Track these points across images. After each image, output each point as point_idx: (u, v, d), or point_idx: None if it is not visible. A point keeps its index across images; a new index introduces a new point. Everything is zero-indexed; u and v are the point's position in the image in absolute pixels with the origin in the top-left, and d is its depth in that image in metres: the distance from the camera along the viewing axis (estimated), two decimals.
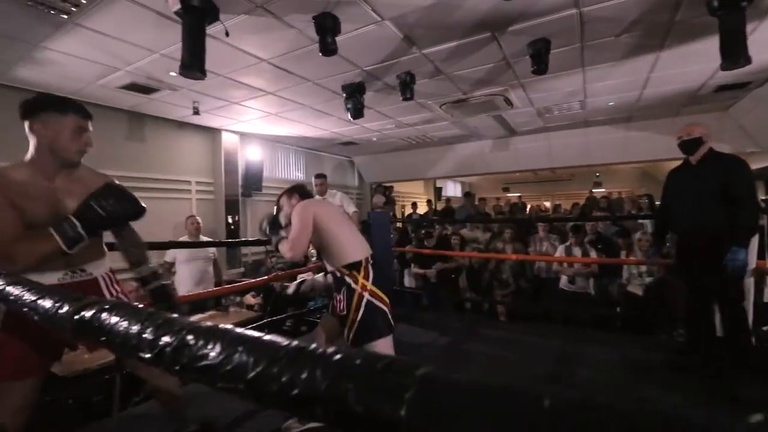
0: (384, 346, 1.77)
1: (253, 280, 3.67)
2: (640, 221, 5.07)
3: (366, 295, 1.76)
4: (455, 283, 5.36)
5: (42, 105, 1.35)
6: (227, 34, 2.62)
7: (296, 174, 7.29)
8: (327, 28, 2.59)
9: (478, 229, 6.53)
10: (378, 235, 3.82)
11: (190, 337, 0.32)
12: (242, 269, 5.91)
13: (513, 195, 13.26)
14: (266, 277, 3.61)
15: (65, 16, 2.47)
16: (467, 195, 7.51)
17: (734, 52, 2.42)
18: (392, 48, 3.15)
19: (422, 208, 10.58)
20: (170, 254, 4.14)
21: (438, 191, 11.28)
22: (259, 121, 5.28)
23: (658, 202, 2.92)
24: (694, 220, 2.37)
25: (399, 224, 6.75)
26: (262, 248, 6.13)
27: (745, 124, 4.82)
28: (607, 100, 4.71)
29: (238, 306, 4.50)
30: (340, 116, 5.05)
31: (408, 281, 5.53)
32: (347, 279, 1.80)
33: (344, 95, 3.95)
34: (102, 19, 2.55)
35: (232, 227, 5.81)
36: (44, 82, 3.52)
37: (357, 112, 3.95)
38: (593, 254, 4.45)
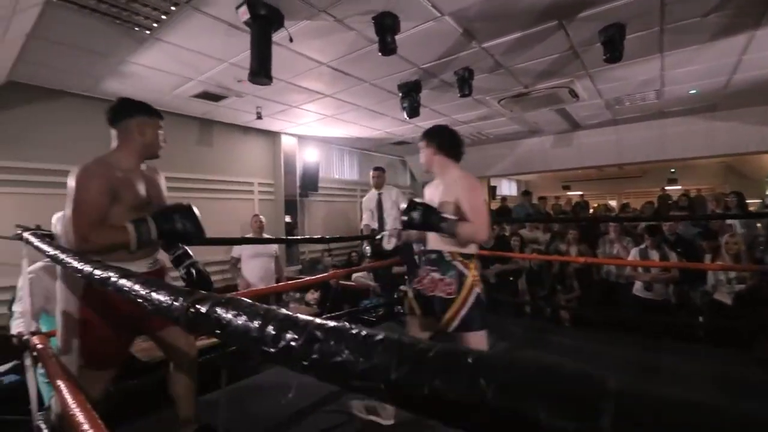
0: (482, 338, 1.79)
1: (313, 277, 3.77)
2: (728, 222, 4.55)
3: (477, 288, 1.79)
4: (514, 285, 5.14)
5: (136, 108, 1.59)
6: (291, 40, 2.71)
7: (350, 174, 7.42)
8: (386, 28, 2.59)
9: (538, 229, 6.23)
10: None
11: (318, 333, 0.31)
12: (300, 266, 6.12)
13: (574, 193, 12.51)
14: (325, 273, 3.69)
15: (148, 32, 2.69)
16: (525, 193, 7.19)
17: None
18: (450, 44, 3.08)
19: None
20: (236, 250, 4.36)
21: (492, 190, 10.93)
22: (316, 124, 5.43)
23: (749, 201, 2.57)
24: None
25: None
26: (319, 246, 6.32)
27: None
28: (689, 87, 4.26)
29: (297, 302, 4.67)
30: (395, 116, 5.06)
31: None
32: (460, 266, 1.80)
33: (400, 94, 3.94)
34: (179, 33, 2.75)
35: (291, 226, 6.04)
36: (127, 94, 3.87)
37: (413, 111, 3.92)
38: (673, 258, 4.04)
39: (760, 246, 4.30)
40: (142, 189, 1.54)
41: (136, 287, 0.59)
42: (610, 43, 2.84)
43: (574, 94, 4.32)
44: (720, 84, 4.18)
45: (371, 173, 4.31)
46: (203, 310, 0.43)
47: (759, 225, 4.70)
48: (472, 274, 1.79)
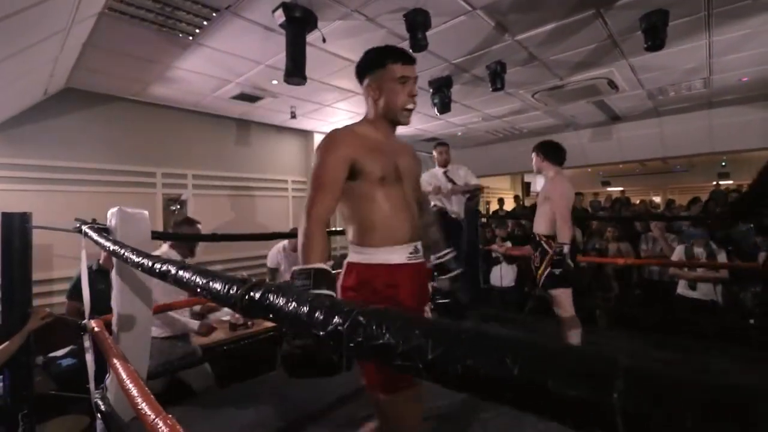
0: (567, 294, 2.50)
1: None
2: None
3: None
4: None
5: (365, 64, 1.31)
6: (324, 41, 2.78)
7: None
8: (418, 24, 2.60)
9: (574, 227, 6.04)
10: (467, 230, 3.77)
11: (361, 318, 0.34)
12: (331, 262, 6.25)
13: (614, 189, 11.98)
14: None
15: (191, 38, 2.84)
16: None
17: None
18: (482, 38, 3.05)
19: (509, 204, 10.13)
20: (273, 260, 3.75)
21: (527, 186, 10.66)
22: (348, 122, 5.46)
23: None
24: None
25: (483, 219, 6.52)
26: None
27: None
28: (740, 75, 3.99)
29: None
30: (425, 112, 5.04)
31: (494, 279, 5.33)
32: (544, 244, 2.55)
33: (431, 90, 3.93)
34: (219, 37, 2.88)
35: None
36: (172, 97, 4.11)
37: (444, 107, 3.91)
38: (722, 257, 3.82)
39: None
40: (388, 163, 1.25)
41: (195, 278, 0.66)
42: (651, 31, 2.71)
43: (613, 86, 4.15)
44: None
45: (435, 150, 3.86)
46: (256, 296, 0.48)
47: None
48: (551, 248, 2.48)
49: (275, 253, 3.74)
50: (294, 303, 0.42)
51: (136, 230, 1.94)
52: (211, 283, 0.59)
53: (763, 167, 2.81)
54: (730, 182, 10.16)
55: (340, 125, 5.15)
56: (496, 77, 3.51)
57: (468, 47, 3.21)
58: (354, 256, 1.28)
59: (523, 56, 3.39)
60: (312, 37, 2.78)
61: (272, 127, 5.55)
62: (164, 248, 2.60)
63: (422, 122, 5.60)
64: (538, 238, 2.63)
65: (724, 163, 10.30)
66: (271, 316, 0.46)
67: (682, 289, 4.01)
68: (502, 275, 4.97)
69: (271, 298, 0.46)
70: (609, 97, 4.63)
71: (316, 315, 0.38)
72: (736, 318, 3.81)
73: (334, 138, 1.22)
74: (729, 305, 3.86)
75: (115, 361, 1.37)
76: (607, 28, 2.93)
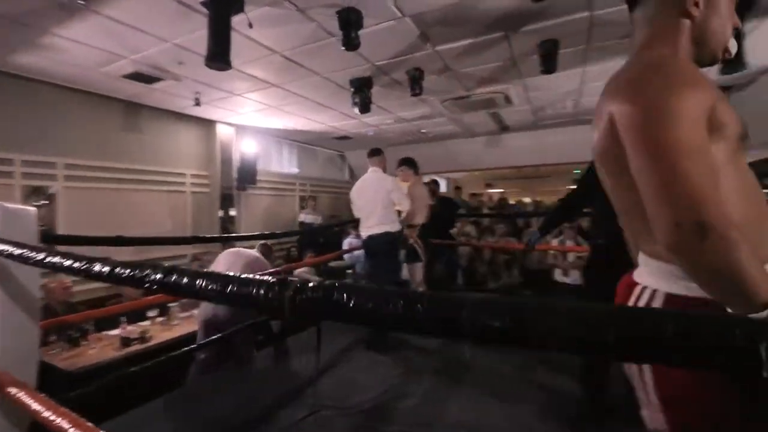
0: (418, 267, 3.82)
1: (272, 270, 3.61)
2: None
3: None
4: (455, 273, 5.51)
5: None
6: (250, 26, 2.61)
7: (289, 167, 7.24)
8: (351, 23, 2.62)
9: (469, 224, 6.70)
10: None
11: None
12: None
13: (496, 191, 13.58)
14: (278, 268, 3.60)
15: (83, 2, 2.39)
16: (457, 189, 7.68)
17: (734, 59, 2.61)
18: (407, 44, 3.20)
19: None
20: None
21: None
22: (257, 114, 5.22)
23: None
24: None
25: None
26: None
27: None
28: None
29: None
30: (341, 110, 5.07)
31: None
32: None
33: (352, 89, 3.98)
34: (121, 6, 2.49)
35: (227, 221, 5.74)
36: (42, 69, 3.39)
37: (365, 107, 3.99)
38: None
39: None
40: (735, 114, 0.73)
41: (212, 285, 0.61)
42: (547, 56, 3.20)
43: (508, 100, 4.74)
44: None
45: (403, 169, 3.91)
46: (314, 295, 0.50)
47: None
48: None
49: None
50: (372, 302, 0.46)
51: (20, 230, 1.59)
52: (237, 288, 0.58)
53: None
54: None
55: (247, 117, 4.94)
56: (415, 83, 3.72)
57: (392, 51, 3.34)
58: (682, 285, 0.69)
59: (439, 66, 3.66)
60: (235, 20, 2.59)
61: (169, 114, 4.95)
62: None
63: (336, 120, 5.61)
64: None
65: (577, 171, 12.49)
66: (344, 315, 0.48)
67: (557, 276, 4.80)
68: None
69: (344, 298, 0.48)
70: (503, 110, 5.26)
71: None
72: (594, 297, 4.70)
73: (683, 69, 0.70)
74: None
75: None
76: (511, 49, 3.34)
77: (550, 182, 13.59)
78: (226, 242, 5.69)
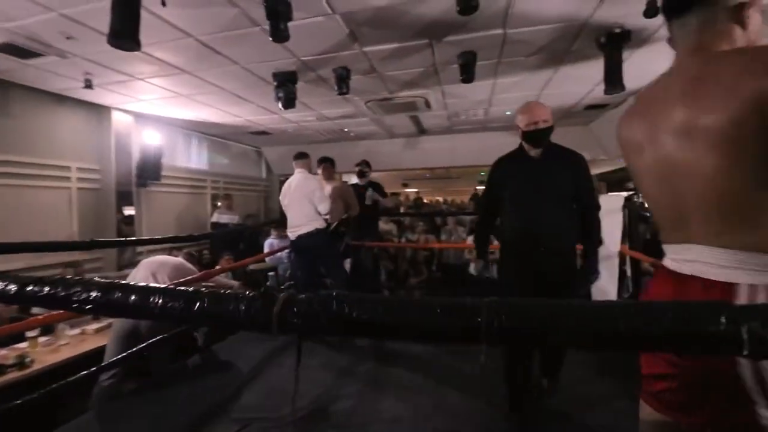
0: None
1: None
2: None
3: None
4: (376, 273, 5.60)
5: None
6: (164, 4, 2.34)
7: (198, 162, 6.66)
8: (280, 14, 2.50)
9: (390, 222, 6.89)
10: None
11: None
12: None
13: (411, 190, 14.16)
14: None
15: None
16: (383, 195, 7.83)
17: (614, 80, 3.10)
18: (335, 41, 3.17)
19: None
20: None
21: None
22: (162, 102, 4.70)
23: None
24: (539, 226, 1.89)
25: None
26: (159, 247, 5.49)
27: (602, 136, 6.08)
28: (506, 109, 5.43)
29: None
30: (261, 104, 4.83)
31: None
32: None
33: (275, 83, 3.80)
34: None
35: (123, 222, 5.07)
36: None
37: (289, 102, 3.85)
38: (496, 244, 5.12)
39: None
40: None
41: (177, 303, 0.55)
42: (465, 66, 3.42)
43: (428, 104, 4.97)
44: None
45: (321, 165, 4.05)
46: (305, 309, 0.49)
47: None
48: None
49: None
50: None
51: None
52: (209, 306, 0.54)
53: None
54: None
55: (149, 105, 4.51)
56: (342, 82, 3.70)
57: (319, 47, 3.27)
58: None
59: (365, 66, 3.69)
60: None
61: (50, 96, 4.19)
62: None
63: (254, 114, 5.32)
64: None
65: (482, 173, 13.62)
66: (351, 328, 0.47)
67: (473, 269, 5.18)
68: None
69: (347, 309, 0.47)
70: (422, 114, 5.51)
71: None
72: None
73: None
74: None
75: None
76: (434, 57, 3.52)
77: (459, 183, 14.63)
78: (125, 246, 5.05)
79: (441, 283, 5.83)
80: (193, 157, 6.52)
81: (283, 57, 3.44)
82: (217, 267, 4.44)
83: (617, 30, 2.98)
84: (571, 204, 1.93)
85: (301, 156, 3.60)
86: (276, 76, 3.75)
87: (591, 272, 1.97)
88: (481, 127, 6.62)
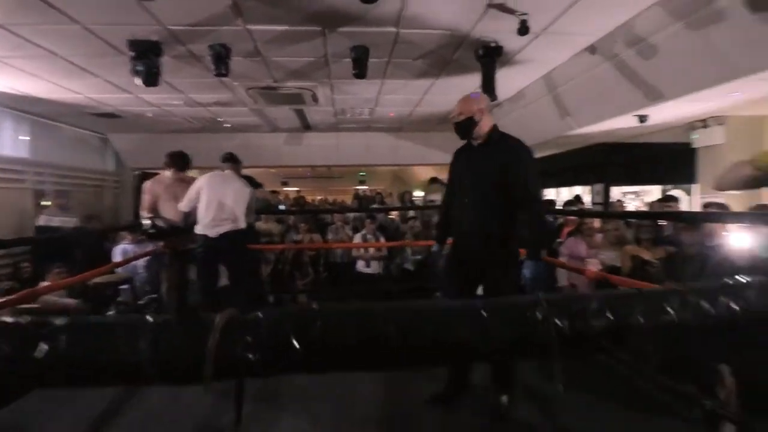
0: None
1: None
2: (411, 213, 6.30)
3: None
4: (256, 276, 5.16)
5: None
6: None
7: (15, 149, 5.14)
8: None
9: (271, 221, 6.46)
10: None
11: None
12: None
13: (292, 189, 13.66)
14: None
15: None
16: (256, 186, 7.28)
17: (489, 90, 3.42)
18: (213, 12, 2.76)
19: None
20: None
21: None
22: None
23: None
24: (470, 216, 1.95)
25: None
26: None
27: None
28: (390, 110, 5.60)
29: None
30: (109, 78, 3.97)
31: None
32: None
33: (131, 54, 3.14)
34: None
35: None
36: None
37: (151, 79, 3.22)
38: (382, 240, 5.23)
39: (432, 228, 6.18)
40: None
41: None
42: (358, 61, 3.37)
43: (315, 99, 4.78)
44: (407, 112, 5.72)
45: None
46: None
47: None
48: None
49: None
50: None
51: None
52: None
53: None
54: (365, 187, 13.93)
55: None
56: (220, 62, 3.26)
57: (193, 17, 2.81)
58: None
59: (249, 47, 3.33)
60: None
61: None
62: None
63: (101, 90, 4.34)
64: None
65: (363, 173, 13.95)
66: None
67: (360, 267, 5.19)
68: None
69: None
70: (309, 108, 5.28)
71: None
72: (390, 283, 5.33)
73: None
74: (387, 275, 5.36)
75: None
76: (325, 47, 3.37)
77: (341, 182, 14.70)
78: None
79: (328, 283, 5.70)
80: (5, 142, 5.00)
81: (144, 22, 2.85)
82: (44, 283, 3.47)
83: (492, 44, 3.30)
84: (504, 193, 1.89)
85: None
86: (133, 45, 3.09)
87: (532, 259, 1.96)
88: (365, 127, 6.70)
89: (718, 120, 4.97)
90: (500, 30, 3.04)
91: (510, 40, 3.16)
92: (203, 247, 2.91)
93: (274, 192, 7.94)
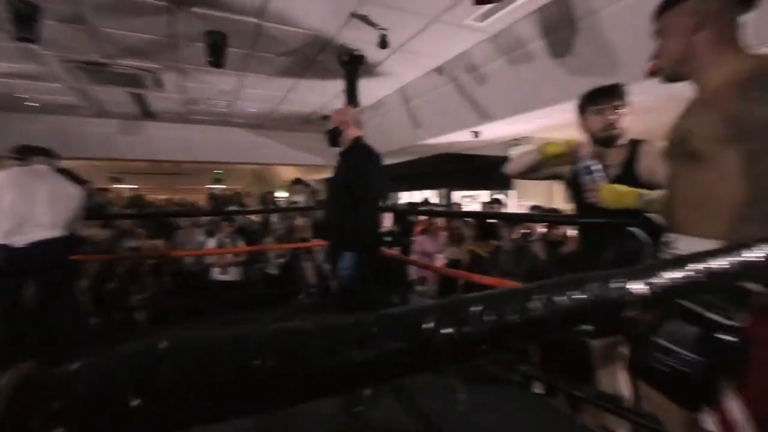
0: None
1: None
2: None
3: None
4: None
5: None
6: None
7: None
8: None
9: (98, 227, 5.36)
10: None
11: None
12: None
13: (128, 186, 11.61)
14: None
15: None
16: (81, 182, 5.95)
17: (352, 95, 3.56)
18: None
19: None
20: None
21: None
22: None
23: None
24: (326, 218, 2.24)
25: None
26: None
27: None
28: (251, 106, 5.29)
29: None
30: None
31: None
32: None
33: None
34: None
35: None
36: None
37: None
38: (241, 244, 4.89)
39: (296, 230, 6.03)
40: None
41: None
42: (214, 48, 3.08)
43: (158, 83, 4.18)
44: (269, 109, 5.50)
45: None
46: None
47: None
48: None
49: None
50: None
51: None
52: None
53: None
54: (223, 186, 12.81)
55: None
56: (23, 23, 2.56)
57: None
58: None
59: (69, 11, 2.71)
60: None
61: None
62: None
63: None
64: None
65: (221, 171, 12.80)
66: None
67: (216, 274, 4.75)
68: None
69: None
70: (150, 93, 4.58)
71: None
72: (251, 290, 5.01)
73: None
74: (247, 281, 5.01)
75: None
76: (174, 27, 2.99)
77: (191, 180, 13.16)
78: None
79: (175, 293, 5.03)
80: None
81: None
82: None
83: (356, 52, 3.45)
84: (348, 197, 1.97)
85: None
86: None
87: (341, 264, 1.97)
88: (222, 121, 6.17)
89: (528, 140, 6.24)
90: (363, 40, 3.20)
91: (372, 51, 3.35)
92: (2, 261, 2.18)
93: (102, 190, 6.60)
